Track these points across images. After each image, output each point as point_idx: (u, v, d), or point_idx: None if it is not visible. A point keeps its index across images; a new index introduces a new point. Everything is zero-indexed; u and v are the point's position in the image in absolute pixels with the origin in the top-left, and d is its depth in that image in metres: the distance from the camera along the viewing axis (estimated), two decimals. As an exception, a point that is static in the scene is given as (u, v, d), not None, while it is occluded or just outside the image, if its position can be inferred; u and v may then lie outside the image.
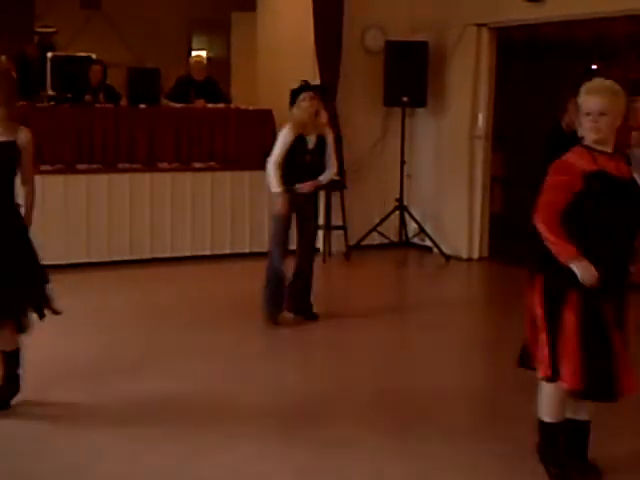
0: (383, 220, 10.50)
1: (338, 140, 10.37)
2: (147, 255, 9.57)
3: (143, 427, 4.96)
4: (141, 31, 13.52)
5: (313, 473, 4.44)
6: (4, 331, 5.08)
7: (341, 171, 10.31)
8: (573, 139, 10.05)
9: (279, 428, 5.06)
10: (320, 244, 10.42)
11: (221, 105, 10.38)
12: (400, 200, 10.49)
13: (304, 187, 7.15)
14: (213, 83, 10.68)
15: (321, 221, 10.24)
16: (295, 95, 7.15)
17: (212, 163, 10.00)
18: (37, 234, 8.96)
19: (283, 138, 7.16)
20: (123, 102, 10.20)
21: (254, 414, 5.22)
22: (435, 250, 10.38)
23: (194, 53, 13.50)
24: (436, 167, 10.65)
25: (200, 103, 10.21)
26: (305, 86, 7.13)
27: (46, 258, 9.07)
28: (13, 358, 5.17)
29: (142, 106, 9.86)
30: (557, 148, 10.65)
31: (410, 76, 10.20)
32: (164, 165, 9.75)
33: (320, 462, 4.55)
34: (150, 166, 9.71)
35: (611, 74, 12.67)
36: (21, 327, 5.13)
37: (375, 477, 4.41)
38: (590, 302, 4.11)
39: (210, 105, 10.24)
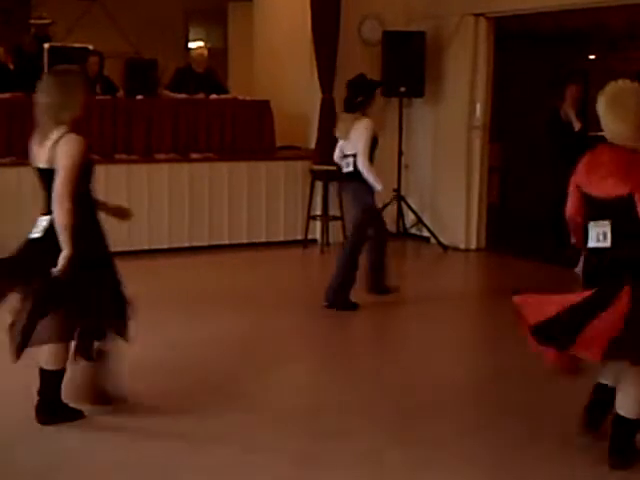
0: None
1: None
2: (145, 246, 9.58)
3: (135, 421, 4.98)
4: (138, 22, 13.49)
5: (311, 463, 4.45)
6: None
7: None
8: (572, 129, 10.14)
9: (277, 419, 5.07)
10: (317, 235, 10.44)
11: (218, 96, 10.36)
12: (398, 190, 10.49)
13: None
14: (213, 74, 10.67)
15: (318, 211, 10.29)
16: (372, 90, 7.42)
17: (210, 154, 10.00)
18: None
19: (368, 133, 7.27)
20: (120, 93, 10.19)
21: (250, 405, 5.24)
22: (433, 240, 10.39)
23: (193, 44, 13.49)
24: (434, 157, 10.64)
25: (200, 97, 10.20)
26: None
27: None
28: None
29: (139, 97, 9.85)
30: (556, 137, 10.74)
31: (408, 66, 10.19)
32: (161, 156, 9.74)
33: (318, 453, 4.56)
34: (147, 157, 9.71)
35: (608, 63, 12.74)
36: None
37: (374, 466, 4.43)
38: None
39: (212, 97, 10.23)
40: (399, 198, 10.51)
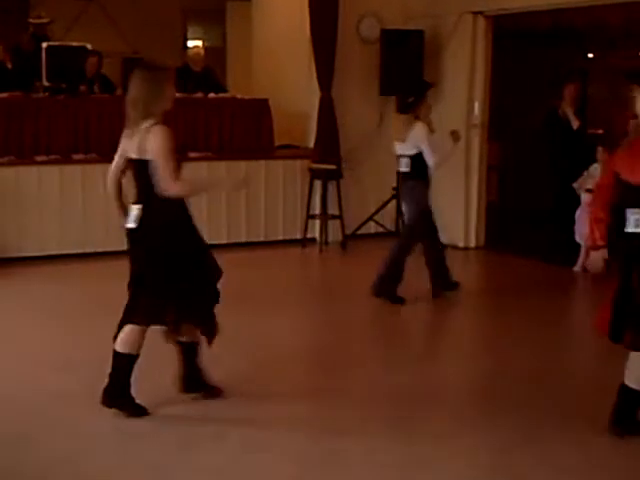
0: (379, 209, 10.49)
1: (335, 128, 10.44)
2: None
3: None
4: (136, 21, 13.48)
5: (311, 462, 4.45)
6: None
7: (337, 160, 10.34)
8: (570, 127, 10.13)
9: (276, 418, 5.06)
10: (316, 233, 10.44)
11: (216, 95, 10.35)
12: (397, 189, 10.48)
13: None
14: (211, 73, 10.67)
15: (317, 210, 10.29)
16: (423, 90, 7.57)
17: (208, 153, 9.99)
18: (33, 224, 9.07)
19: (425, 134, 7.43)
20: (118, 92, 10.17)
21: (246, 403, 5.23)
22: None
23: (191, 43, 13.48)
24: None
25: (199, 96, 10.19)
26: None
27: (42, 248, 9.19)
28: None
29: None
30: (555, 136, 10.72)
31: (406, 65, 10.18)
32: (160, 155, 9.72)
33: (317, 452, 4.56)
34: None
35: (607, 62, 12.74)
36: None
37: (373, 464, 4.42)
38: None
39: (211, 95, 10.23)
40: (398, 197, 10.48)
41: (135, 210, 4.86)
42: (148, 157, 4.72)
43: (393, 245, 7.79)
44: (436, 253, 7.84)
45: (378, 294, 7.63)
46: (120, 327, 4.93)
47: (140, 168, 4.79)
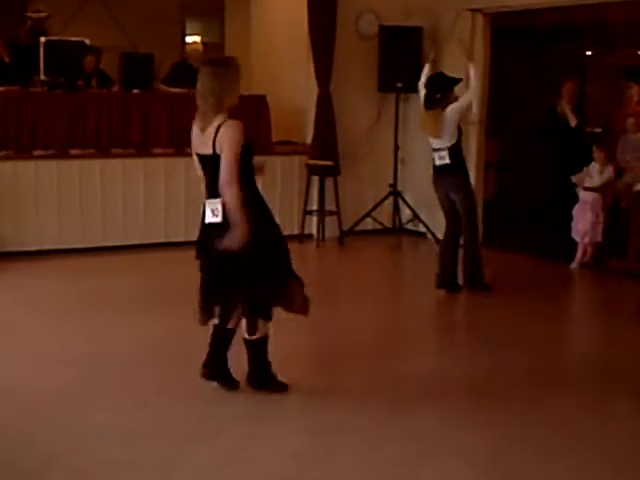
0: (377, 206, 10.49)
1: (332, 124, 10.44)
2: (141, 241, 9.56)
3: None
4: (135, 16, 13.45)
5: (308, 458, 4.45)
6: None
7: (335, 157, 10.33)
8: (568, 125, 10.13)
9: (273, 413, 5.07)
10: (314, 229, 10.44)
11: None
12: (394, 186, 10.49)
13: None
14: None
15: (314, 206, 10.28)
16: (449, 86, 7.66)
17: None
18: (30, 219, 9.06)
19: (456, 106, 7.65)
20: (116, 87, 10.16)
21: (245, 399, 5.23)
22: (429, 236, 10.38)
23: (190, 39, 13.45)
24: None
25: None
26: (458, 79, 7.76)
27: (39, 243, 9.18)
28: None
29: (136, 91, 9.82)
30: (553, 133, 10.72)
31: (404, 61, 10.17)
32: (158, 150, 9.72)
33: (315, 447, 4.56)
34: (144, 151, 9.69)
35: (605, 60, 12.73)
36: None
37: (372, 461, 4.43)
38: None
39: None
40: (395, 193, 10.51)
41: (215, 204, 4.91)
42: (220, 152, 4.83)
43: (464, 239, 7.90)
44: (475, 245, 7.93)
45: (471, 288, 7.84)
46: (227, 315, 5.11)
47: (212, 163, 4.87)
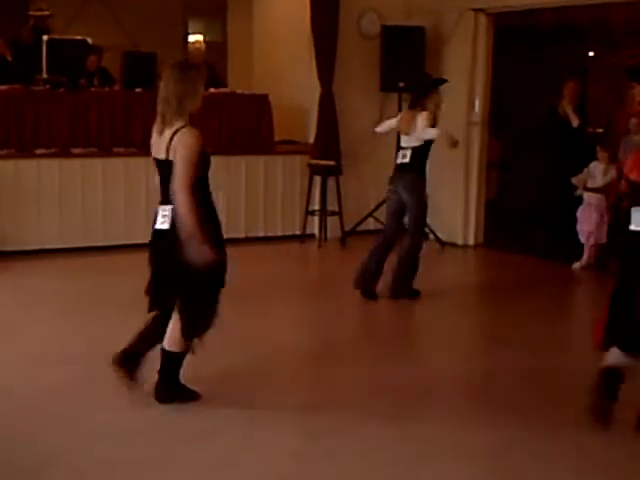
0: (379, 206, 10.47)
1: (335, 124, 10.43)
2: (142, 240, 9.52)
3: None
4: (137, 15, 13.43)
5: (308, 459, 4.45)
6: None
7: (337, 156, 10.33)
8: (570, 125, 10.11)
9: (274, 414, 5.06)
10: (315, 229, 10.43)
11: (216, 90, 10.34)
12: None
13: None
14: (211, 69, 10.63)
15: (316, 206, 10.28)
16: (433, 86, 7.68)
17: (208, 148, 9.94)
18: (32, 218, 9.06)
19: (427, 122, 7.54)
20: (117, 85, 10.17)
21: (245, 398, 5.23)
22: (431, 236, 10.37)
23: (191, 38, 13.43)
24: (432, 153, 10.59)
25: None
26: (440, 80, 7.84)
27: (40, 242, 9.19)
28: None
29: (138, 90, 9.82)
30: (555, 134, 10.71)
31: (407, 61, 10.17)
32: (160, 149, 9.71)
33: (315, 448, 4.56)
34: (145, 150, 9.64)
35: (607, 60, 12.72)
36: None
37: (372, 461, 4.43)
38: None
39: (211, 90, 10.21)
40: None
41: (165, 211, 4.83)
42: (173, 159, 4.74)
43: (404, 244, 7.76)
44: (417, 252, 7.77)
45: (396, 296, 7.65)
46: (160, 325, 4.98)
47: (168, 169, 4.77)
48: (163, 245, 4.87)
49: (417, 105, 7.56)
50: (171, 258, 4.80)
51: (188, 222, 4.66)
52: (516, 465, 4.43)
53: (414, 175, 7.61)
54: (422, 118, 7.43)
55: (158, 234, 4.91)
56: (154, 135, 4.94)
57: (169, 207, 4.79)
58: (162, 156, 4.82)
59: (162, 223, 4.85)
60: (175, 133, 4.77)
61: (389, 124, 8.03)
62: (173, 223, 4.77)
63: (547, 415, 5.06)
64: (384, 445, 4.61)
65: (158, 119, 4.90)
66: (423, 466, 4.38)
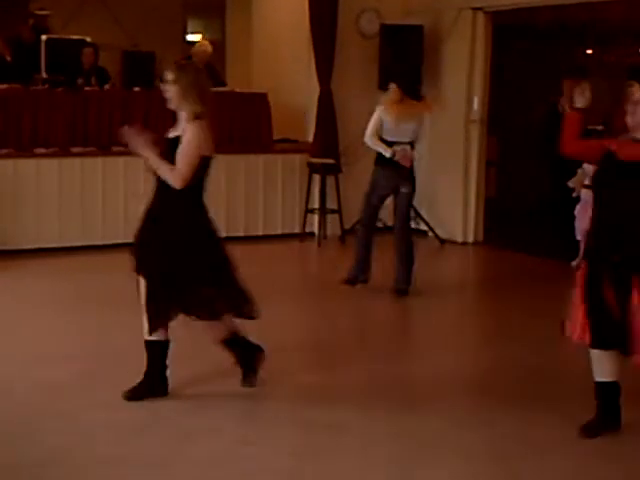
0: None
1: (334, 122, 10.44)
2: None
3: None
4: (136, 14, 13.44)
5: (307, 456, 4.46)
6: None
7: (336, 155, 10.34)
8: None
9: (272, 410, 5.08)
10: (315, 228, 10.44)
11: (215, 88, 10.33)
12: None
13: None
14: (212, 69, 10.62)
15: (316, 204, 10.29)
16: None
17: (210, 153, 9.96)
18: (31, 217, 9.07)
19: (375, 116, 7.91)
20: (115, 83, 10.17)
21: (243, 395, 5.24)
22: (430, 234, 10.39)
23: (192, 37, 13.44)
24: (431, 151, 10.63)
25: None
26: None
27: (40, 241, 9.19)
28: None
29: (137, 89, 9.83)
30: (554, 132, 10.68)
31: (405, 60, 10.17)
32: (159, 149, 9.72)
33: (314, 445, 4.57)
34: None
35: (606, 58, 12.72)
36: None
37: (371, 459, 4.44)
38: None
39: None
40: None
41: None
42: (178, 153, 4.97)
43: (404, 239, 7.91)
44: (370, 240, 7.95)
45: (405, 292, 7.72)
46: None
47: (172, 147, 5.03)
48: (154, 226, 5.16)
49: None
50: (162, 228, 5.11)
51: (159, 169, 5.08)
52: (516, 464, 4.43)
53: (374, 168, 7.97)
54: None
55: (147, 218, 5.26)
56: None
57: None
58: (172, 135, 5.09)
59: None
60: (184, 130, 5.02)
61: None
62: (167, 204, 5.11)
63: (548, 414, 5.05)
64: (383, 442, 4.62)
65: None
66: (423, 464, 4.39)
